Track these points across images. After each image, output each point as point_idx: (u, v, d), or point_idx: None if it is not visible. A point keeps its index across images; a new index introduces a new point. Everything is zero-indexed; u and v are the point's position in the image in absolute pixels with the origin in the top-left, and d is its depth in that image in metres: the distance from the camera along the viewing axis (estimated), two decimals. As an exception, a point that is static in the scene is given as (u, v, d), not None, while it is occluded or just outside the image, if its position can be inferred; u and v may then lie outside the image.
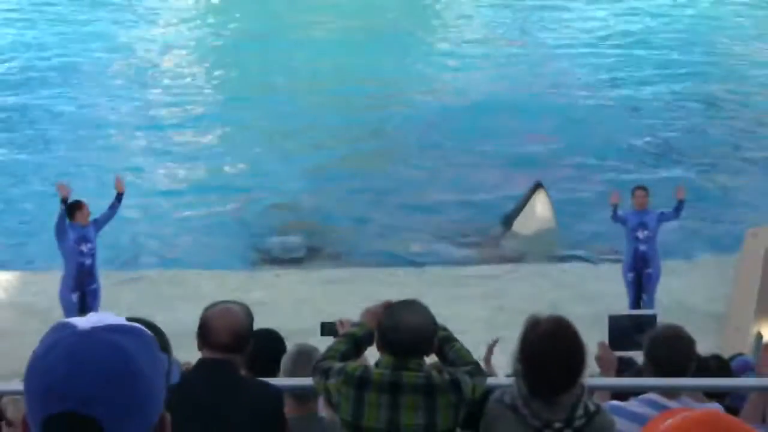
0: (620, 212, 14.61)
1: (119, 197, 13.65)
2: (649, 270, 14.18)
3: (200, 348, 5.07)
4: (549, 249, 18.36)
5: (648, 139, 23.30)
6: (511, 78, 27.62)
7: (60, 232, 13.24)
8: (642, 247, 14.18)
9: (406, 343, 4.68)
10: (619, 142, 22.94)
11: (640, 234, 14.15)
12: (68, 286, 13.38)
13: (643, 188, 14.55)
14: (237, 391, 4.92)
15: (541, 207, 18.57)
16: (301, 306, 14.45)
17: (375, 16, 33.05)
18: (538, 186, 18.72)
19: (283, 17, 33.06)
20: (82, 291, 13.41)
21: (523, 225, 18.64)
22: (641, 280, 14.25)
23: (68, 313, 13.31)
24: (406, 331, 4.68)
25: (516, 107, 24.65)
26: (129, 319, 1.98)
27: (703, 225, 17.88)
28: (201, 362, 5.06)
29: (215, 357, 4.97)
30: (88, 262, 13.39)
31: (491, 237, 18.82)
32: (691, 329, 5.49)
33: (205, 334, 5.02)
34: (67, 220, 13.21)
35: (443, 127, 23.86)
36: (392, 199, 20.35)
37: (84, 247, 13.33)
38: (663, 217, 14.22)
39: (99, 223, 13.50)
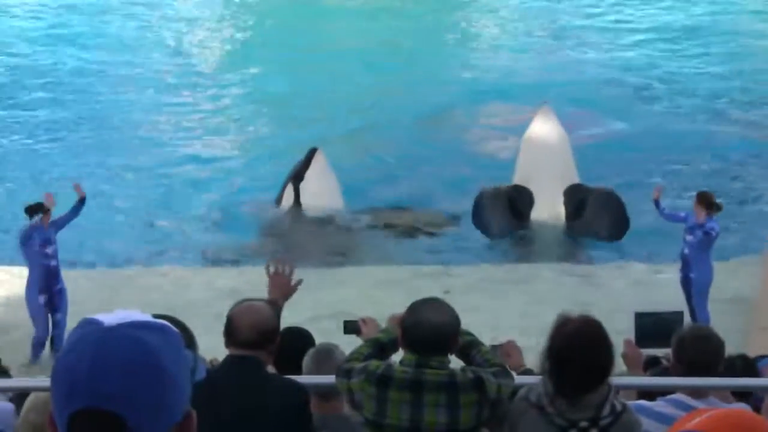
0: (669, 211, 14.59)
1: (83, 201, 13.81)
2: (692, 274, 14.07)
3: (227, 345, 5.09)
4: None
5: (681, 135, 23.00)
6: (551, 68, 27.63)
7: (26, 237, 13.38)
8: (686, 250, 14.13)
9: (428, 341, 4.68)
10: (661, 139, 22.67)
11: (688, 237, 14.05)
12: (35, 289, 13.46)
13: (697, 195, 14.27)
14: (262, 387, 4.93)
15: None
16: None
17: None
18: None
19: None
20: (49, 292, 13.53)
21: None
22: (689, 282, 14.15)
23: (37, 315, 13.45)
24: (428, 329, 4.68)
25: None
26: (155, 316, 1.99)
27: (728, 225, 17.72)
28: (227, 359, 5.08)
29: (241, 354, 4.99)
30: (53, 263, 13.55)
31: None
32: (716, 329, 5.48)
33: (230, 331, 5.04)
34: (30, 223, 13.29)
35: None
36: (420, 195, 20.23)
37: (49, 249, 13.47)
38: (700, 230, 13.88)
39: (59, 225, 13.54)
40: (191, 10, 33.07)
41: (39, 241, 13.34)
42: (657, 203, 14.71)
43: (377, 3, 32.76)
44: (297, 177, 18.74)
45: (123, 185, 20.71)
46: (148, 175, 21.22)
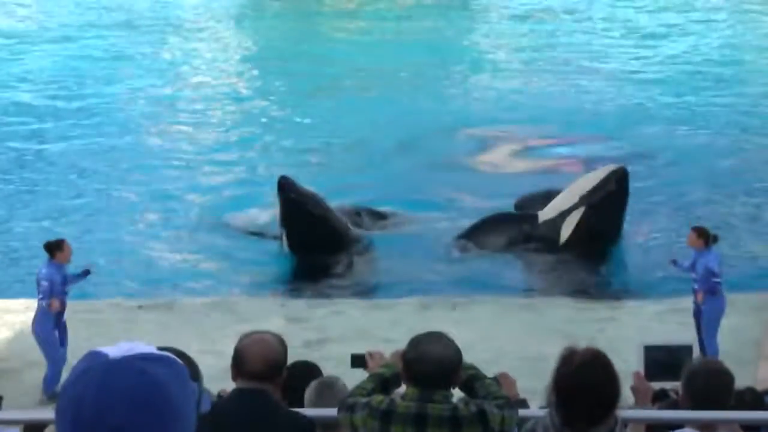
0: (683, 262, 14.75)
1: (87, 274, 14.23)
2: (703, 306, 14.13)
3: (234, 378, 5.07)
4: None
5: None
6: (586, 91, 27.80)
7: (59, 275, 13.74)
8: (695, 286, 14.24)
9: (430, 375, 4.67)
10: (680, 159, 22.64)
11: (693, 274, 14.19)
12: (51, 322, 13.64)
13: (694, 229, 14.51)
14: (269, 420, 4.92)
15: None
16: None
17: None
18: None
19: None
20: (59, 326, 13.78)
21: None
22: (700, 314, 14.22)
23: (51, 347, 13.56)
24: (430, 362, 4.67)
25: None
26: (160, 349, 2.00)
27: (736, 258, 17.67)
28: (235, 392, 5.07)
29: (249, 386, 4.98)
30: (66, 298, 13.86)
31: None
32: (725, 362, 5.46)
33: (239, 363, 5.03)
34: (49, 259, 13.61)
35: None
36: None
37: (66, 288, 13.85)
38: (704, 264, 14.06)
39: (69, 279, 13.91)
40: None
41: (61, 279, 13.65)
42: (675, 263, 14.85)
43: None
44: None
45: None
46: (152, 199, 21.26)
